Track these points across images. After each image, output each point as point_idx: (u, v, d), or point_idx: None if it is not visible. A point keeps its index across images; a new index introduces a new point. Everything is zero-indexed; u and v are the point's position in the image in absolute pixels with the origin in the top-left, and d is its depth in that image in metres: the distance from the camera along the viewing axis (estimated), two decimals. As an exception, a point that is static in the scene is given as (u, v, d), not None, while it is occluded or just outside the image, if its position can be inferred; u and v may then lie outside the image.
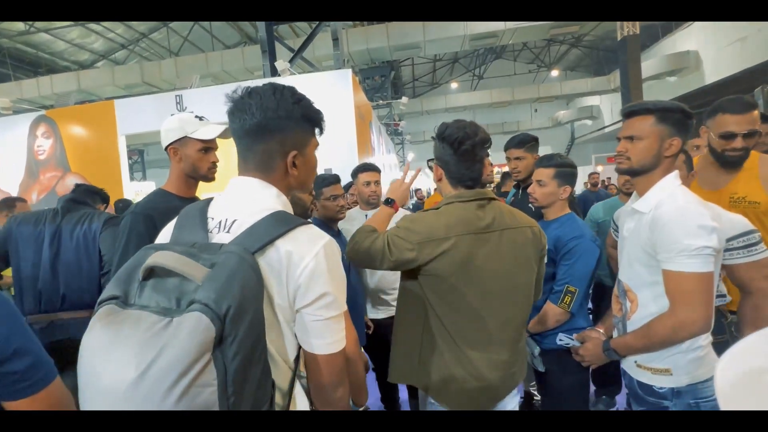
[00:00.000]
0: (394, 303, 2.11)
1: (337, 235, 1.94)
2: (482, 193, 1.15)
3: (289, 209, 0.77)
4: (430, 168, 1.23)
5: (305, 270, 0.67)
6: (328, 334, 0.70)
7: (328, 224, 1.90)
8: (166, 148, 1.30)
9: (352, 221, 2.11)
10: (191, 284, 0.59)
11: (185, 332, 0.53)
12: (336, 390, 0.74)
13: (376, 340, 2.09)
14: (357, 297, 1.89)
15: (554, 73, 19.03)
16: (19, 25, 10.25)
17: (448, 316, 1.11)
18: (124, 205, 3.83)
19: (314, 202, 1.90)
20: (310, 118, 0.79)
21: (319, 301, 0.69)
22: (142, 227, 1.19)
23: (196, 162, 1.29)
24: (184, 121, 1.28)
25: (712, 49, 11.67)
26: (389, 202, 1.28)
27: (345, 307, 0.74)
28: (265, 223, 0.69)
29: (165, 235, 0.76)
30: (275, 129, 0.74)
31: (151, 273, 0.61)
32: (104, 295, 0.61)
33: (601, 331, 1.38)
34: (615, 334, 1.29)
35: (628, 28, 8.83)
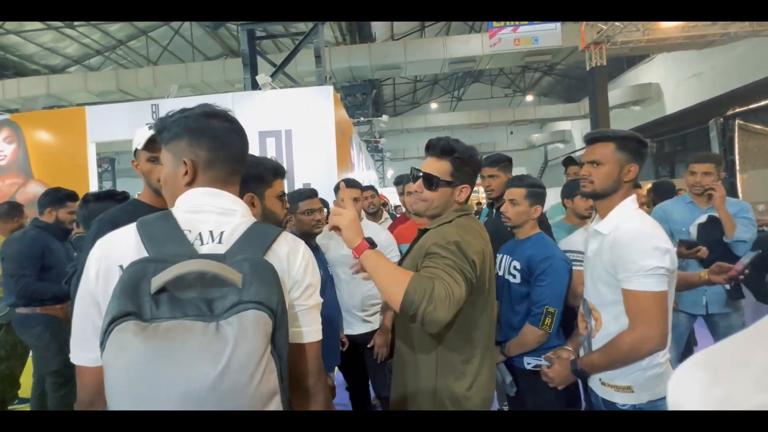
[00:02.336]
0: (369, 319, 2.11)
1: (314, 250, 1.91)
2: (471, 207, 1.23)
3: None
4: (414, 178, 1.19)
5: (300, 266, 0.77)
6: (311, 321, 0.78)
7: (305, 239, 1.86)
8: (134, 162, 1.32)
9: (331, 238, 2.10)
10: (215, 291, 0.63)
11: (251, 328, 0.60)
12: (319, 378, 0.80)
13: (351, 359, 2.06)
14: (333, 315, 1.85)
15: (528, 98, 19.89)
16: (-13, 26, 9.86)
17: (471, 322, 1.13)
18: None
19: (290, 216, 1.87)
20: None
21: (307, 291, 0.78)
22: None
23: (147, 174, 1.28)
24: (137, 135, 1.29)
25: (671, 82, 12.55)
26: (372, 243, 1.06)
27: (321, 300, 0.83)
28: (254, 232, 0.74)
29: (127, 249, 0.70)
30: (247, 154, 0.86)
31: (162, 287, 0.62)
32: (117, 311, 0.59)
33: (570, 349, 1.42)
34: (582, 352, 1.33)
35: (596, 60, 9.39)
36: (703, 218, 2.19)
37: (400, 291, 0.93)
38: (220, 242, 0.71)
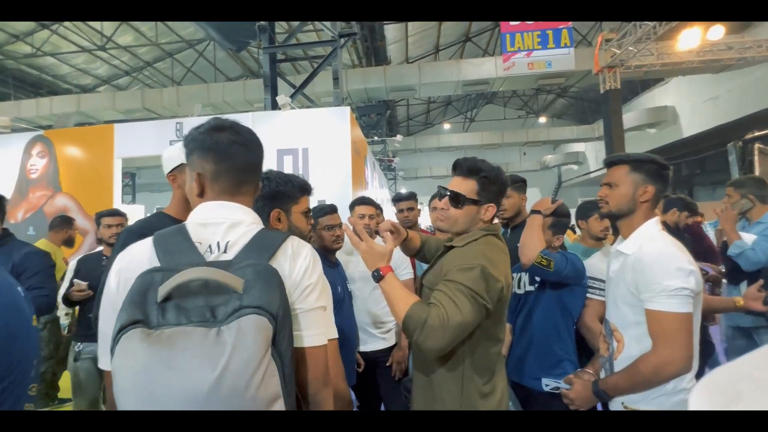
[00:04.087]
0: (383, 336, 2.11)
1: (334, 266, 1.92)
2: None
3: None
4: (441, 196, 1.21)
5: (300, 268, 0.77)
6: (311, 324, 0.75)
7: (326, 255, 1.88)
8: (167, 176, 1.35)
9: (350, 254, 2.13)
10: (219, 297, 0.64)
11: (250, 332, 0.61)
12: (323, 387, 0.75)
13: (363, 376, 2.04)
14: (350, 333, 1.84)
15: (542, 119, 19.93)
16: (26, 48, 10.48)
17: (492, 339, 1.13)
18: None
19: (312, 232, 1.91)
20: None
21: (305, 292, 0.76)
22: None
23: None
24: (182, 150, 1.33)
25: (687, 105, 12.46)
26: (378, 274, 1.08)
27: (331, 304, 0.81)
28: (260, 239, 0.76)
29: (143, 260, 0.74)
30: (260, 165, 0.88)
31: (169, 295, 0.64)
32: (125, 320, 0.62)
33: (591, 372, 1.39)
34: (603, 374, 1.31)
35: (610, 83, 9.42)
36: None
37: (400, 318, 1.01)
38: (225, 251, 0.74)
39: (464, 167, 1.19)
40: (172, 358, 0.58)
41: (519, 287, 1.67)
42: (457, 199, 1.17)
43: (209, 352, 0.59)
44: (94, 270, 2.37)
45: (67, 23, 9.91)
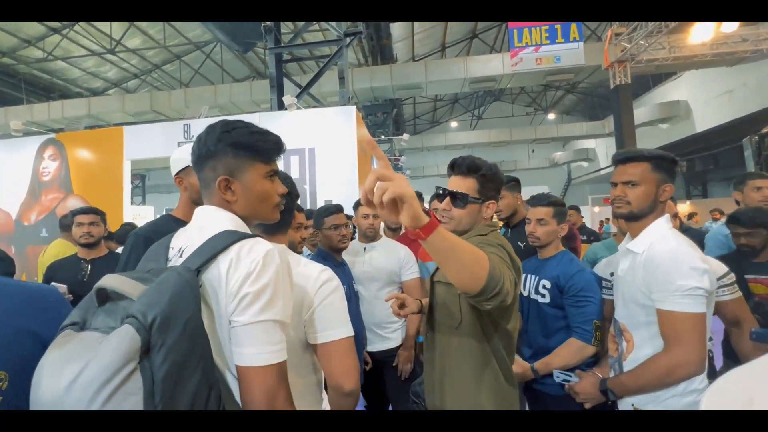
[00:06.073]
0: (389, 336, 2.09)
1: (340, 265, 1.92)
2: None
3: (243, 229, 0.77)
4: (441, 197, 1.20)
5: (240, 275, 0.66)
6: (249, 341, 0.65)
7: (332, 254, 1.90)
8: (174, 177, 1.35)
9: (355, 255, 2.12)
10: (136, 304, 0.62)
11: (113, 343, 0.56)
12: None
13: (370, 377, 2.04)
14: (356, 332, 1.85)
15: (550, 116, 19.70)
16: (37, 52, 10.68)
17: (505, 336, 1.12)
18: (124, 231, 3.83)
19: (316, 233, 1.92)
20: (242, 144, 0.78)
21: (241, 304, 0.65)
22: (141, 249, 1.22)
23: (198, 189, 1.33)
24: (188, 152, 1.33)
25: (700, 99, 12.21)
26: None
27: (283, 318, 0.69)
28: (210, 242, 0.71)
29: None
30: (206, 156, 0.79)
31: (107, 299, 0.65)
32: (65, 322, 0.65)
33: (599, 375, 1.37)
34: (611, 374, 1.28)
35: (620, 78, 9.28)
36: None
37: (485, 267, 0.80)
38: (181, 256, 0.74)
39: (463, 166, 1.18)
40: (55, 361, 0.58)
41: (524, 289, 1.65)
42: (459, 199, 1.15)
43: (77, 358, 0.56)
44: (71, 276, 2.23)
45: (77, 27, 10.07)
